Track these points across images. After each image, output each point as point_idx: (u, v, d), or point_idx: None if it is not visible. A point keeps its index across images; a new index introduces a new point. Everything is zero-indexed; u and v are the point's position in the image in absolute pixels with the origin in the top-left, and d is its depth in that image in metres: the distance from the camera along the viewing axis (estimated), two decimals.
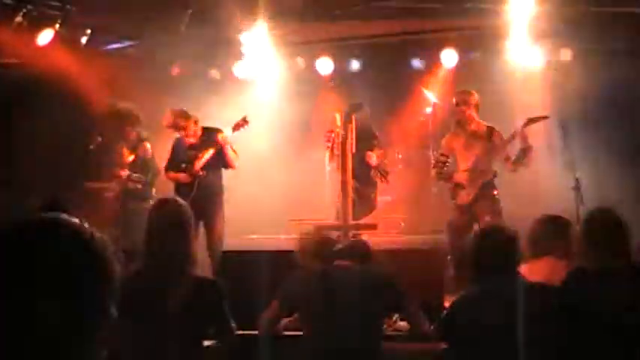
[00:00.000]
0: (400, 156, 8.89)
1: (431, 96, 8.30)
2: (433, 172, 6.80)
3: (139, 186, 6.98)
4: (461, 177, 6.56)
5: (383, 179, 7.11)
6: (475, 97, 6.60)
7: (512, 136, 6.40)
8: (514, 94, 8.22)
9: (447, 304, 4.92)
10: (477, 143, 6.54)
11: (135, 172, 7.02)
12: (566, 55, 8.27)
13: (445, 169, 6.61)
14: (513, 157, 6.43)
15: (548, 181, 7.58)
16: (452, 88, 8.72)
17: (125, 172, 6.98)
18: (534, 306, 3.08)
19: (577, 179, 6.42)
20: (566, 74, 8.06)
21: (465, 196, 6.49)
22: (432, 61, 8.80)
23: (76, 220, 1.28)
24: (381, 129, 7.72)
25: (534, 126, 6.51)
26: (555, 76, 8.22)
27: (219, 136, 6.85)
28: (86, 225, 1.30)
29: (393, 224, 7.35)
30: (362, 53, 9.00)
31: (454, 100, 6.73)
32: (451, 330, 3.34)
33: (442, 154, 6.68)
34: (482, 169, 6.48)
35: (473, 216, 6.34)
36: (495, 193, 6.50)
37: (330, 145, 6.97)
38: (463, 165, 6.62)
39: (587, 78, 7.65)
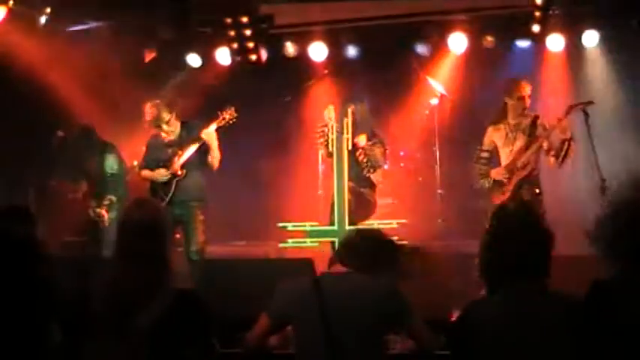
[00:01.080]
0: (402, 153, 8.90)
1: (437, 86, 8.29)
2: (475, 170, 6.83)
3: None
4: (498, 173, 6.62)
5: (369, 171, 7.03)
6: (521, 88, 6.58)
7: (552, 127, 6.40)
8: (533, 82, 8.24)
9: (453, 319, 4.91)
10: (518, 136, 6.61)
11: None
12: (590, 38, 8.32)
13: (486, 167, 6.69)
14: (554, 150, 6.42)
15: (570, 180, 7.60)
16: (461, 77, 8.74)
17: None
18: (559, 320, 3.05)
19: (603, 180, 6.40)
20: (591, 59, 8.09)
21: (500, 196, 6.52)
22: (439, 47, 8.78)
23: (29, 233, 1.27)
24: (380, 123, 7.70)
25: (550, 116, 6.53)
26: (579, 61, 8.24)
27: (204, 132, 6.81)
28: (41, 236, 1.28)
29: (394, 230, 7.31)
30: (360, 38, 8.96)
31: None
32: (462, 345, 3.29)
33: (482, 149, 6.76)
34: (522, 165, 6.53)
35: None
36: (537, 191, 6.53)
37: (323, 141, 6.96)
38: (503, 160, 6.68)
39: (614, 63, 7.68)
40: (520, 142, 6.58)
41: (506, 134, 6.65)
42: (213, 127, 6.85)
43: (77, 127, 7.20)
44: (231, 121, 6.92)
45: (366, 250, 3.74)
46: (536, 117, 6.62)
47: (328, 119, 6.78)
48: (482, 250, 3.18)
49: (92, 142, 7.16)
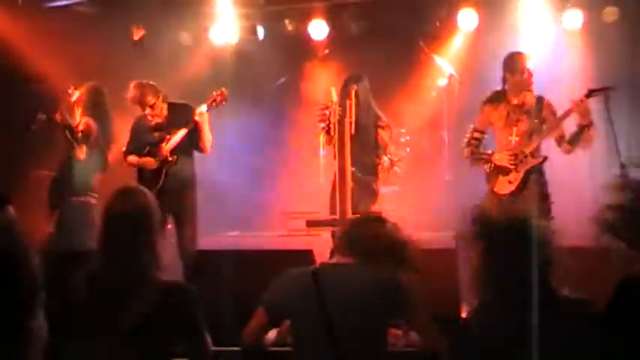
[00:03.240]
0: (408, 138, 8.88)
1: (445, 66, 8.27)
2: (466, 151, 6.58)
3: None
4: (502, 159, 6.39)
5: (388, 169, 7.02)
6: (523, 62, 6.34)
7: (570, 111, 6.21)
8: (550, 61, 8.22)
9: (464, 315, 4.91)
10: (522, 118, 6.37)
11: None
12: (610, 14, 8.28)
13: (481, 148, 6.48)
14: (569, 136, 6.24)
15: (587, 166, 7.59)
16: (471, 56, 8.72)
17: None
18: (571, 324, 3.04)
19: (623, 165, 6.37)
20: (612, 37, 8.07)
21: (505, 184, 6.35)
22: (447, 24, 8.77)
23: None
24: (385, 106, 7.67)
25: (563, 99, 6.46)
26: (598, 39, 8.22)
27: (197, 113, 6.79)
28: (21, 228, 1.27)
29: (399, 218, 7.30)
30: (363, 15, 8.95)
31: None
32: (468, 347, 3.29)
33: (476, 130, 6.55)
34: (530, 151, 6.33)
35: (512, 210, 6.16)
36: (543, 180, 6.35)
37: (324, 125, 6.93)
38: (504, 145, 6.43)
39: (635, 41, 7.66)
40: (524, 125, 6.35)
41: (507, 114, 6.41)
42: (203, 108, 6.84)
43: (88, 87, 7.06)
44: (222, 102, 6.91)
45: (367, 239, 3.72)
46: (542, 97, 6.45)
47: (329, 102, 6.75)
48: (485, 257, 3.16)
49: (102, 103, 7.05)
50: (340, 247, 3.79)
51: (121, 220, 3.39)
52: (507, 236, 3.12)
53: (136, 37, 8.75)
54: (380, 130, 6.99)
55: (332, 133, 6.68)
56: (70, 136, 6.84)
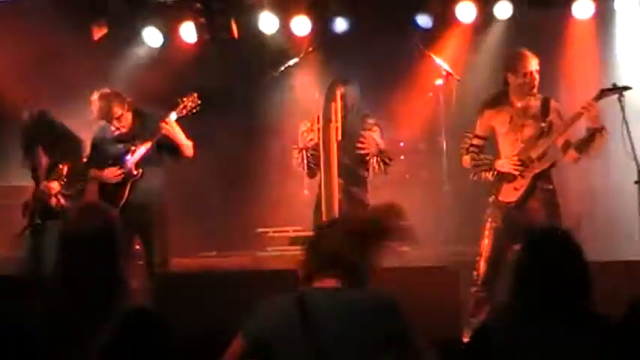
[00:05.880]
0: (402, 144, 8.89)
1: (442, 64, 8.28)
2: (467, 160, 6.60)
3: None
4: (506, 165, 6.37)
5: (381, 169, 6.96)
6: (527, 62, 6.30)
7: (579, 114, 6.18)
8: (558, 58, 8.24)
9: (465, 340, 4.90)
10: (527, 122, 6.36)
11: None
12: (626, 3, 8.30)
13: (482, 155, 6.46)
14: (575, 142, 6.24)
15: (604, 172, 7.60)
16: (470, 54, 8.74)
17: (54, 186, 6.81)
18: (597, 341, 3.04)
19: None
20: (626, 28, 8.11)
21: (511, 192, 6.34)
22: (445, 18, 8.79)
23: None
24: (376, 110, 7.67)
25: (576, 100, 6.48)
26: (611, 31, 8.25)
27: (163, 125, 6.74)
28: None
29: None
30: (350, 8, 8.97)
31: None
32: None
33: (476, 136, 6.56)
34: (539, 157, 6.32)
35: (521, 218, 6.20)
36: (551, 187, 6.33)
37: (300, 161, 6.87)
38: (507, 151, 6.42)
39: None
40: (529, 130, 6.35)
41: (511, 119, 6.39)
42: (172, 116, 6.79)
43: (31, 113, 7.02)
44: (194, 110, 6.88)
45: (340, 251, 3.66)
46: (547, 99, 6.45)
47: (305, 135, 6.73)
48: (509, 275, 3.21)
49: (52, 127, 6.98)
50: (314, 265, 3.75)
51: (79, 240, 3.37)
52: (549, 247, 3.20)
53: (96, 36, 8.72)
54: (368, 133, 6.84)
55: (312, 166, 6.69)
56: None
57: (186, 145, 6.86)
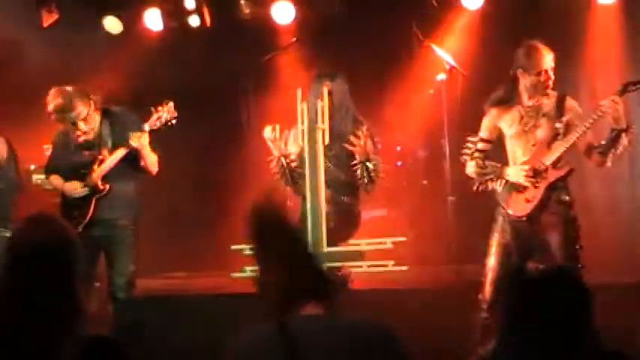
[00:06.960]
0: (399, 148, 8.92)
1: (445, 56, 8.30)
2: (472, 168, 6.51)
3: None
4: (517, 174, 6.33)
5: (366, 184, 6.94)
6: (541, 57, 6.22)
7: (601, 114, 6.06)
8: (578, 47, 8.29)
9: None
10: (539, 123, 6.31)
11: None
12: None
13: (490, 163, 6.42)
14: (599, 146, 6.13)
15: (620, 181, 7.65)
16: (476, 44, 8.77)
17: None
18: None
19: None
20: None
21: (522, 204, 6.31)
22: (447, 4, 8.84)
23: None
24: (368, 109, 7.69)
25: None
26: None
27: (133, 138, 6.55)
28: None
29: (389, 250, 7.31)
30: None
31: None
32: None
33: (482, 139, 6.57)
34: (550, 163, 6.28)
35: (534, 234, 6.19)
36: (567, 199, 6.28)
37: (283, 168, 6.89)
38: (517, 155, 6.38)
39: None
40: (543, 132, 6.27)
41: (521, 119, 6.34)
42: (145, 127, 6.62)
43: None
44: (169, 122, 6.71)
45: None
46: (563, 96, 6.42)
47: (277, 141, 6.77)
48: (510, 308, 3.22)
49: None
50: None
51: (29, 257, 3.36)
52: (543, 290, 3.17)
53: (46, 23, 8.70)
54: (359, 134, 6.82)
55: (289, 177, 6.72)
56: None
57: (152, 162, 6.77)
